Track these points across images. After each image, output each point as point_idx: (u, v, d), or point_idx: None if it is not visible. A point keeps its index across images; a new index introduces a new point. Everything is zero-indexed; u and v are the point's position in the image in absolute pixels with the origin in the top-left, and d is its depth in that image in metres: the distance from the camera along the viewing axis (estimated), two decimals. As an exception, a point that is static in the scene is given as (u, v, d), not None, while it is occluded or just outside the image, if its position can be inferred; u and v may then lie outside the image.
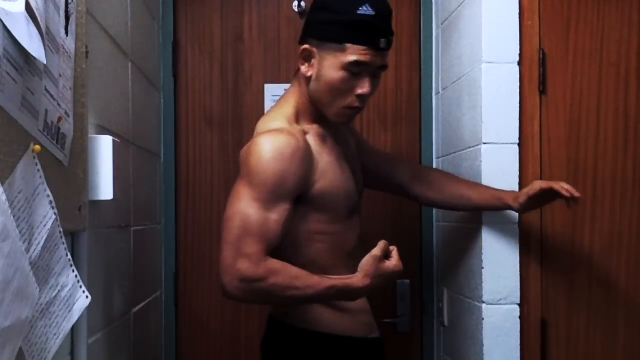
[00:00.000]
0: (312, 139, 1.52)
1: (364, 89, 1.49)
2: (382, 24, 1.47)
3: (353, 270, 1.48)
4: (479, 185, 1.72)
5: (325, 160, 1.52)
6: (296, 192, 1.46)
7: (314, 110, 1.55)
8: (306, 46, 1.51)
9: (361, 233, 1.66)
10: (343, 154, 1.62)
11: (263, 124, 1.54)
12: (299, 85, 1.57)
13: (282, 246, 1.46)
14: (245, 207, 1.41)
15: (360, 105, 1.52)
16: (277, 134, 1.46)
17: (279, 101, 1.63)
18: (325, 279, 1.44)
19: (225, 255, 1.39)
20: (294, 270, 1.42)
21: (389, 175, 1.85)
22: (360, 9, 1.46)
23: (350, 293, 1.46)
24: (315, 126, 1.56)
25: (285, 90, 1.65)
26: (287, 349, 1.57)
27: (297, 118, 1.55)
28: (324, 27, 1.50)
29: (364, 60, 1.46)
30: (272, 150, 1.42)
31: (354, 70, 1.47)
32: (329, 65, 1.48)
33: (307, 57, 1.52)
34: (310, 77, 1.52)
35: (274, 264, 1.40)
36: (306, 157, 1.46)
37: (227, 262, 1.38)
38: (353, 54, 1.46)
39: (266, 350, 1.63)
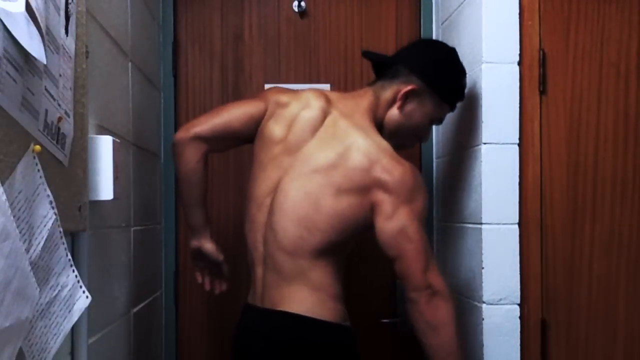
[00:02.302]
0: None
1: (427, 138, 1.78)
2: (464, 96, 1.77)
3: None
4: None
5: None
6: None
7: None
8: (416, 87, 1.64)
9: None
10: None
11: (379, 141, 1.57)
12: (376, 104, 1.67)
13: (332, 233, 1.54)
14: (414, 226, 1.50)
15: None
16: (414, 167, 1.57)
17: (363, 114, 1.64)
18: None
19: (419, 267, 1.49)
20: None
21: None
22: (464, 80, 1.73)
23: None
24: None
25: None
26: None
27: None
28: (437, 79, 1.66)
29: (442, 118, 1.75)
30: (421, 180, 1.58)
31: (435, 123, 1.74)
32: (424, 113, 1.68)
33: (410, 97, 1.65)
34: (401, 109, 1.66)
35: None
36: None
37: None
38: (443, 111, 1.72)
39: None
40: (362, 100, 1.66)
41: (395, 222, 1.49)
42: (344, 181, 1.52)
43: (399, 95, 1.65)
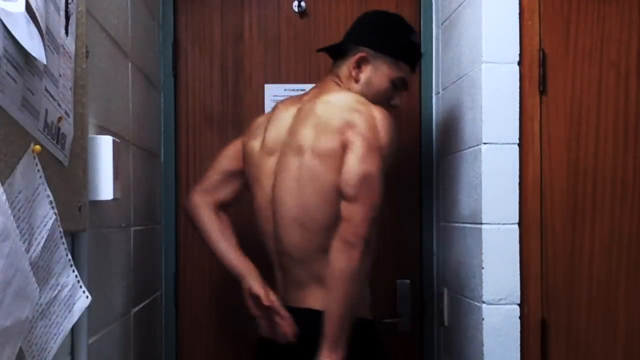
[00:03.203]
0: None
1: (397, 102, 1.77)
2: (419, 53, 1.85)
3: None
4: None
5: None
6: None
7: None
8: (363, 54, 1.70)
9: None
10: None
11: (356, 99, 1.63)
12: (339, 82, 1.72)
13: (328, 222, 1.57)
14: (379, 174, 1.55)
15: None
16: (385, 110, 1.63)
17: (328, 89, 1.69)
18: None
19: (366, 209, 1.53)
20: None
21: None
22: (411, 36, 1.77)
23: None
24: None
25: (300, 90, 1.84)
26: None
27: None
28: (382, 42, 1.72)
29: (405, 78, 1.75)
30: (391, 125, 1.61)
31: (398, 85, 1.74)
32: (381, 75, 1.71)
33: (364, 64, 1.71)
34: (359, 80, 1.71)
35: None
36: None
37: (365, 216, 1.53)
38: (403, 71, 1.74)
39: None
40: (326, 85, 1.73)
41: (365, 165, 1.54)
42: (322, 136, 1.57)
43: (352, 66, 1.71)
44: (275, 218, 1.64)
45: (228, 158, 1.81)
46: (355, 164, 1.53)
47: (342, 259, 1.50)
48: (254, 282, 1.65)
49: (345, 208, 1.52)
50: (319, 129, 1.58)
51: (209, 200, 1.76)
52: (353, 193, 1.52)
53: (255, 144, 1.73)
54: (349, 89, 1.70)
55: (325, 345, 1.50)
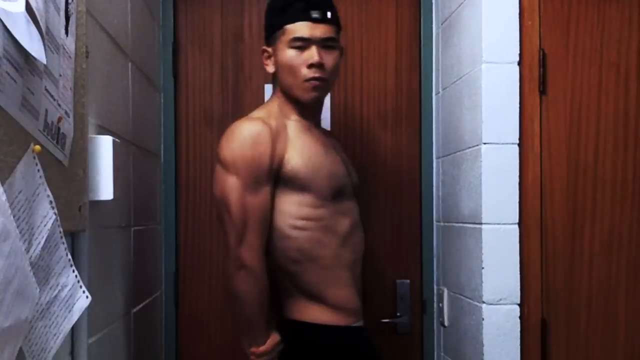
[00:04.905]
0: (293, 126, 1.66)
1: (312, 58, 1.61)
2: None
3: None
4: None
5: (303, 142, 1.63)
6: (272, 172, 1.57)
7: (295, 106, 1.68)
8: (262, 48, 1.72)
9: (358, 221, 1.73)
10: (331, 144, 1.75)
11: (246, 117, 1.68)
12: (274, 87, 1.73)
13: (271, 238, 1.59)
14: (237, 194, 1.55)
15: (318, 75, 1.63)
16: (247, 120, 1.63)
17: (265, 103, 1.77)
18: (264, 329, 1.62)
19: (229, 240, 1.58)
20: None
21: None
22: None
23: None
24: (299, 119, 1.68)
25: None
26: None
27: (282, 112, 1.67)
28: (267, 24, 1.72)
29: (301, 35, 1.62)
30: (243, 137, 1.57)
31: (298, 45, 1.62)
32: (279, 51, 1.65)
33: (267, 57, 1.71)
34: (275, 72, 1.68)
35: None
36: (275, 136, 1.59)
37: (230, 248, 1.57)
38: (292, 31, 1.63)
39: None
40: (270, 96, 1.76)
41: (217, 189, 1.60)
42: None
43: (263, 58, 1.73)
44: None
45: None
46: (213, 189, 1.62)
47: (227, 279, 1.59)
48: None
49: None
50: None
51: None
52: (219, 218, 1.61)
53: None
54: (279, 91, 1.70)
55: None
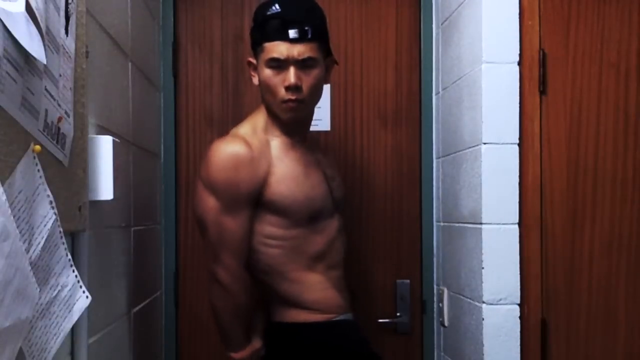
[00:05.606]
0: (276, 146, 1.64)
1: (287, 81, 1.57)
2: (289, 17, 1.56)
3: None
4: None
5: (285, 166, 1.62)
6: (251, 197, 1.58)
7: (279, 122, 1.66)
8: (247, 60, 1.70)
9: (336, 235, 1.72)
10: (315, 161, 1.72)
11: (232, 131, 1.68)
12: (261, 98, 1.70)
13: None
14: (214, 215, 1.58)
15: (295, 97, 1.59)
16: (230, 141, 1.61)
17: (253, 113, 1.74)
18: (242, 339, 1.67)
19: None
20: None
21: None
22: (270, 9, 1.59)
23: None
24: (283, 135, 1.66)
25: None
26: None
27: (266, 128, 1.66)
28: (251, 38, 1.67)
29: (277, 56, 1.56)
30: (225, 159, 1.57)
31: (274, 65, 1.58)
32: (260, 68, 1.62)
33: (252, 69, 1.69)
34: (257, 85, 1.66)
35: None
36: (257, 159, 1.58)
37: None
38: (269, 51, 1.58)
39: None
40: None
41: (197, 205, 1.64)
42: None
43: (250, 69, 1.71)
44: None
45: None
46: (194, 208, 1.66)
47: (209, 300, 1.68)
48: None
49: None
50: None
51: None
52: (199, 231, 1.66)
53: None
54: (265, 102, 1.68)
55: None
